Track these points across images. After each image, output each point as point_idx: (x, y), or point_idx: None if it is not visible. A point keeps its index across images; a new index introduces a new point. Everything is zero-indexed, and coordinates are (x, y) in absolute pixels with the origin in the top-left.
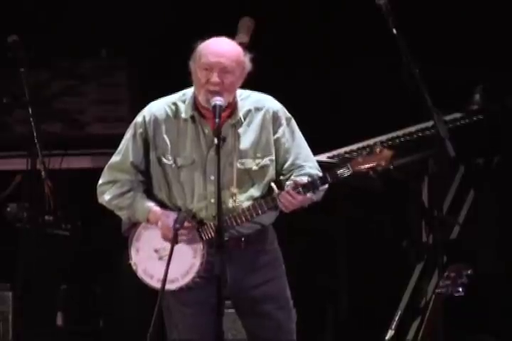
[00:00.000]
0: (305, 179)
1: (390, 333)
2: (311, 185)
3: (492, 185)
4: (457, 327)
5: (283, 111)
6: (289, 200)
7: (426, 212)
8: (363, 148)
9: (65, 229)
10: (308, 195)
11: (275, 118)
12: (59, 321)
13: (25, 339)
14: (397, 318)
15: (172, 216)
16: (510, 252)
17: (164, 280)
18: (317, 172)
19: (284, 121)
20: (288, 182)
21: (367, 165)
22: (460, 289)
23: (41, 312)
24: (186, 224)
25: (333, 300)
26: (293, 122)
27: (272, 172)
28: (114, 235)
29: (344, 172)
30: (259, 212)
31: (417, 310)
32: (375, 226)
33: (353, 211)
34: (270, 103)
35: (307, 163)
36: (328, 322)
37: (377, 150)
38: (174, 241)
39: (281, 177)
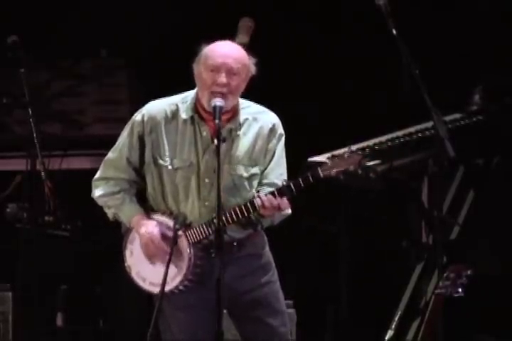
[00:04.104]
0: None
1: (390, 333)
2: (286, 189)
3: (492, 185)
4: (457, 327)
5: (279, 126)
6: (265, 204)
7: (426, 212)
8: (363, 148)
9: (65, 230)
10: (284, 199)
11: (271, 130)
12: (59, 321)
13: (26, 340)
14: (397, 318)
15: (160, 227)
16: (510, 252)
17: (164, 280)
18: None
19: (277, 136)
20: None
21: (336, 170)
22: (460, 290)
23: (41, 312)
24: (180, 232)
25: (333, 300)
26: (283, 140)
27: (257, 181)
28: (114, 235)
29: (315, 176)
30: (240, 216)
31: (417, 311)
32: (375, 226)
33: (354, 211)
34: (269, 115)
35: (277, 181)
36: (329, 322)
37: (346, 155)
38: (174, 242)
39: None
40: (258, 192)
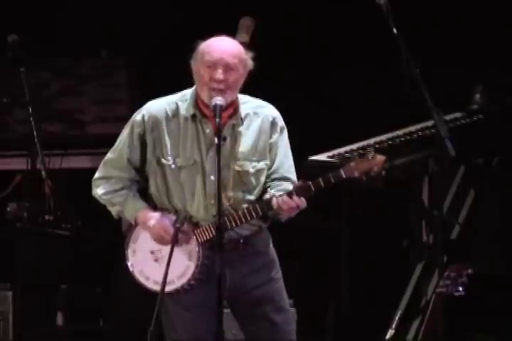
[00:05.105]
0: (300, 182)
1: (391, 333)
2: (306, 189)
3: (492, 185)
4: (457, 327)
5: (280, 119)
6: (283, 207)
7: (426, 211)
8: (363, 147)
9: (65, 229)
10: (302, 199)
11: (272, 124)
12: (59, 321)
13: (26, 339)
14: (397, 318)
15: (168, 218)
16: (510, 252)
17: (165, 279)
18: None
19: (278, 129)
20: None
21: (359, 171)
22: (460, 289)
23: (41, 311)
24: (185, 226)
25: (334, 300)
26: (285, 132)
27: (265, 176)
28: (114, 235)
29: (337, 177)
30: (254, 216)
31: (417, 310)
32: (376, 225)
33: (355, 210)
34: (269, 109)
35: (288, 174)
36: (329, 321)
37: (370, 155)
38: (175, 240)
39: None
40: (270, 187)
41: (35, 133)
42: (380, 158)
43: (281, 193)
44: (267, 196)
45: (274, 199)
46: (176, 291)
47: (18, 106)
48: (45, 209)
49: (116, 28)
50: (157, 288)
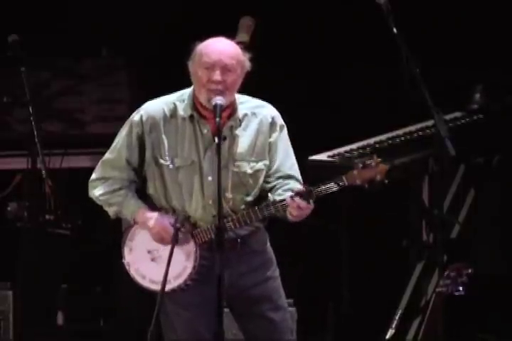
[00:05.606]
0: (301, 188)
1: (391, 332)
2: (307, 194)
3: (492, 184)
4: (457, 326)
5: (279, 118)
6: (294, 207)
7: (426, 211)
8: (363, 147)
9: (66, 229)
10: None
11: (271, 124)
12: (59, 320)
13: (26, 339)
14: (397, 317)
15: (167, 218)
16: (510, 252)
17: (165, 279)
18: (300, 186)
19: (278, 128)
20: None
21: (362, 179)
22: (460, 288)
23: (42, 311)
24: (185, 227)
25: (334, 299)
26: (285, 130)
27: (263, 177)
28: (114, 234)
29: (339, 184)
30: (254, 219)
31: (417, 309)
32: (376, 225)
33: (354, 210)
34: (268, 109)
35: (291, 172)
36: (329, 320)
37: (373, 164)
38: (174, 240)
39: (265, 184)
40: (275, 186)
41: (35, 133)
42: (383, 166)
43: (289, 194)
44: (280, 197)
45: (288, 199)
46: (173, 291)
47: (18, 105)
48: (45, 209)
49: (116, 28)
50: (153, 287)
